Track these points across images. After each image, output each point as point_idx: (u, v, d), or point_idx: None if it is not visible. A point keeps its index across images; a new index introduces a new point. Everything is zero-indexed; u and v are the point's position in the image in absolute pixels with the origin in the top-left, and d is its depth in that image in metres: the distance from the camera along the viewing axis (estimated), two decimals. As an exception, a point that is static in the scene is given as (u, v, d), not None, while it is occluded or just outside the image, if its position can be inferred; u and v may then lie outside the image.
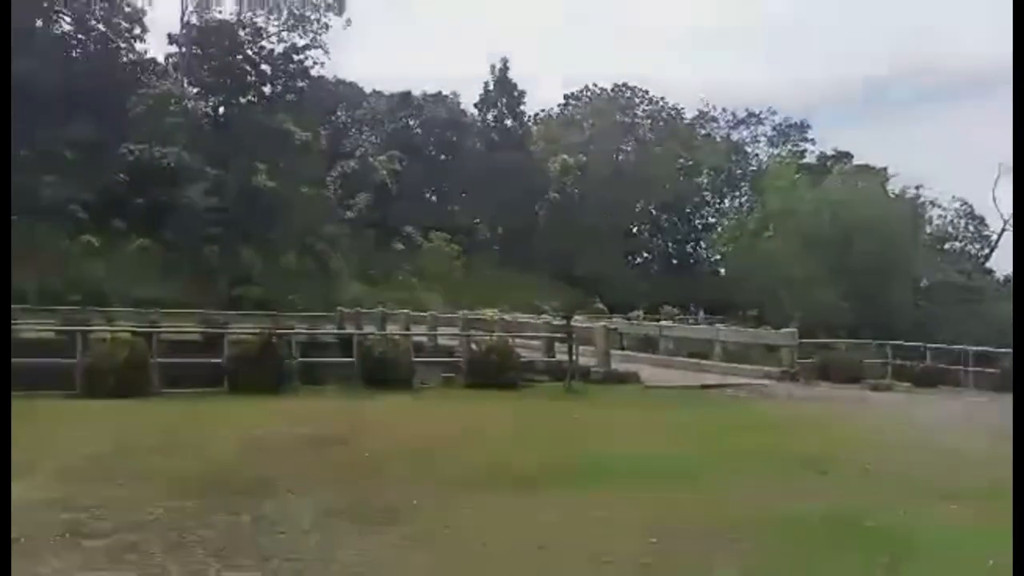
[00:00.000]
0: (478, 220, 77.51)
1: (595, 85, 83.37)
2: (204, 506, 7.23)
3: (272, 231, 58.60)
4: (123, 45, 64.28)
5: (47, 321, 30.26)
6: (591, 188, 76.15)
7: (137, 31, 64.29)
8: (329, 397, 16.53)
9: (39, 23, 60.65)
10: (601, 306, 59.12)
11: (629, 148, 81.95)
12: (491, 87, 78.59)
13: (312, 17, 70.25)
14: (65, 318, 32.61)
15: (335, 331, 33.28)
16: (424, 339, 25.88)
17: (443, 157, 78.37)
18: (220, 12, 68.10)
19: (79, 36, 63.19)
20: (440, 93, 79.06)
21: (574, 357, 18.79)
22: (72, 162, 53.32)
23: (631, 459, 10.10)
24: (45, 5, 60.55)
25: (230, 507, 7.23)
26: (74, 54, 62.05)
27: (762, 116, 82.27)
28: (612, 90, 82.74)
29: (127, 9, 63.34)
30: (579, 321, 24.07)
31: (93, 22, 63.06)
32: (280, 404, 15.11)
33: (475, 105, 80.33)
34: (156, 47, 75.58)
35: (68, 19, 62.99)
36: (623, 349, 24.79)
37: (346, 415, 13.69)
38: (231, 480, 8.34)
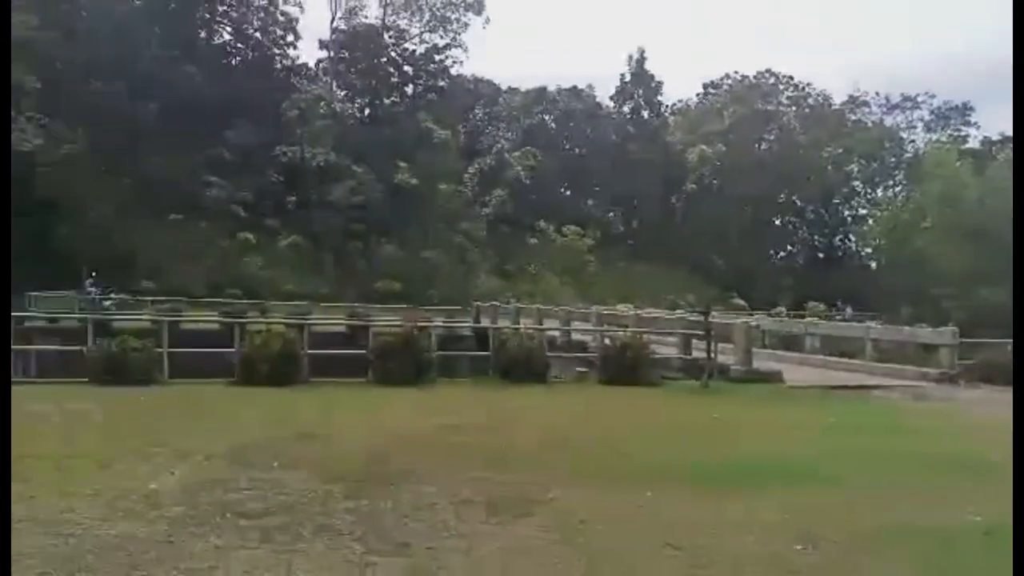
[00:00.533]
0: (612, 213, 76.95)
1: (736, 72, 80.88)
2: (348, 491, 7.56)
3: (412, 227, 60.54)
4: (278, 52, 68.30)
5: (210, 313, 32.56)
6: (730, 179, 73.97)
7: (290, 38, 68.17)
8: (466, 389, 16.93)
9: (202, 34, 65.33)
10: (740, 302, 57.32)
11: (772, 137, 78.97)
12: (627, 79, 77.76)
13: (453, 17, 71.95)
14: (225, 310, 35.03)
15: (471, 324, 33.96)
16: (557, 334, 25.98)
17: (577, 151, 78.32)
18: (366, 17, 71.06)
19: (238, 45, 67.62)
20: (575, 87, 79.03)
21: (712, 354, 18.32)
22: (232, 165, 57.10)
23: (772, 460, 9.74)
24: (207, 17, 65.03)
25: (373, 493, 7.53)
26: (233, 62, 66.40)
27: (919, 100, 77.08)
28: (754, 77, 79.96)
29: (281, 18, 67.19)
30: (717, 317, 23.43)
31: (251, 31, 67.31)
32: (420, 395, 15.62)
33: (611, 98, 79.78)
34: (307, 53, 79.83)
35: (228, 30, 67.49)
36: (765, 347, 23.91)
37: (483, 407, 13.96)
38: (374, 467, 8.68)
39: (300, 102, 61.34)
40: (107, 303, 36.37)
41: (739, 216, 73.53)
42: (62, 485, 7.47)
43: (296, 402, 14.24)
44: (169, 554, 5.68)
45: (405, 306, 40.57)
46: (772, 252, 79.24)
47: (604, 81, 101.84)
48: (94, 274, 40.49)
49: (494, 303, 43.18)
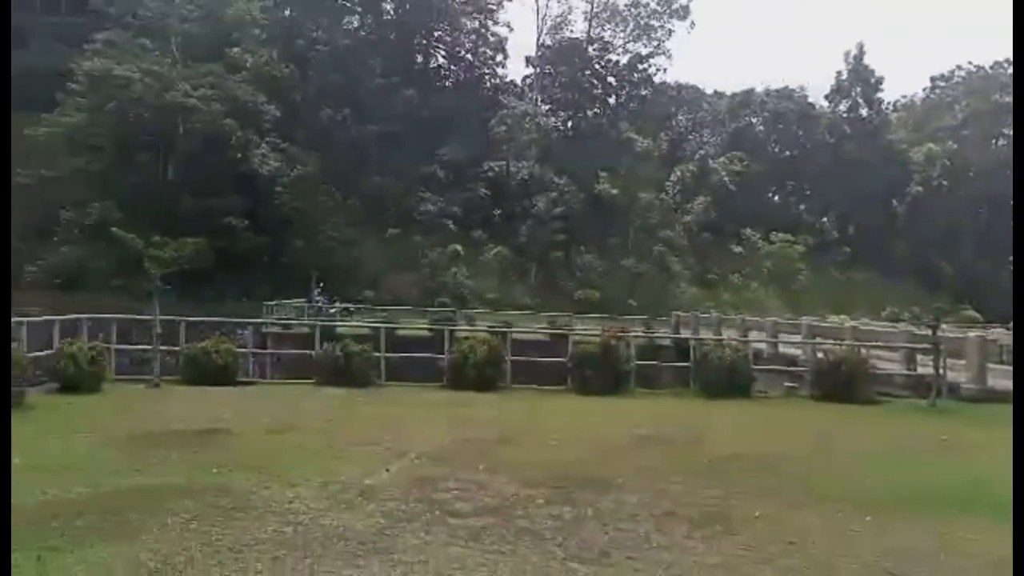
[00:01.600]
0: (825, 219, 72.51)
1: (969, 63, 73.67)
2: (550, 497, 7.68)
3: (612, 236, 60.56)
4: (487, 71, 71.21)
5: (421, 321, 34.43)
6: (962, 178, 67.34)
7: (499, 57, 70.87)
8: (665, 401, 16.63)
9: (419, 59, 69.50)
10: (974, 313, 51.94)
11: (1010, 131, 70.93)
12: (844, 76, 73.17)
13: (657, 25, 71.41)
14: (435, 318, 36.89)
15: (671, 335, 33.34)
16: (764, 346, 24.85)
17: (787, 154, 74.72)
18: (571, 32, 72.23)
19: (451, 67, 71.29)
20: (786, 88, 75.57)
21: (941, 371, 16.71)
22: (444, 181, 60.10)
23: (1008, 489, 8.69)
24: (424, 43, 69.10)
25: (574, 499, 7.60)
26: (446, 84, 70.00)
27: None
28: (990, 67, 72.35)
29: (491, 38, 69.99)
30: (947, 330, 21.35)
31: (463, 53, 70.71)
32: (618, 404, 15.56)
33: (825, 96, 75.48)
34: (514, 70, 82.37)
35: (442, 53, 71.28)
36: (1002, 363, 21.44)
37: (684, 419, 13.66)
38: (575, 474, 8.75)
39: (507, 118, 63.46)
40: (332, 311, 39.45)
41: (972, 219, 66.71)
42: (290, 477, 8.18)
43: (499, 407, 14.67)
44: (384, 546, 6.05)
45: (604, 315, 40.61)
46: (1011, 258, 71.08)
47: (815, 81, 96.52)
48: (321, 285, 44.17)
49: (695, 313, 42.10)
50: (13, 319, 16.85)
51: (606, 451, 10.41)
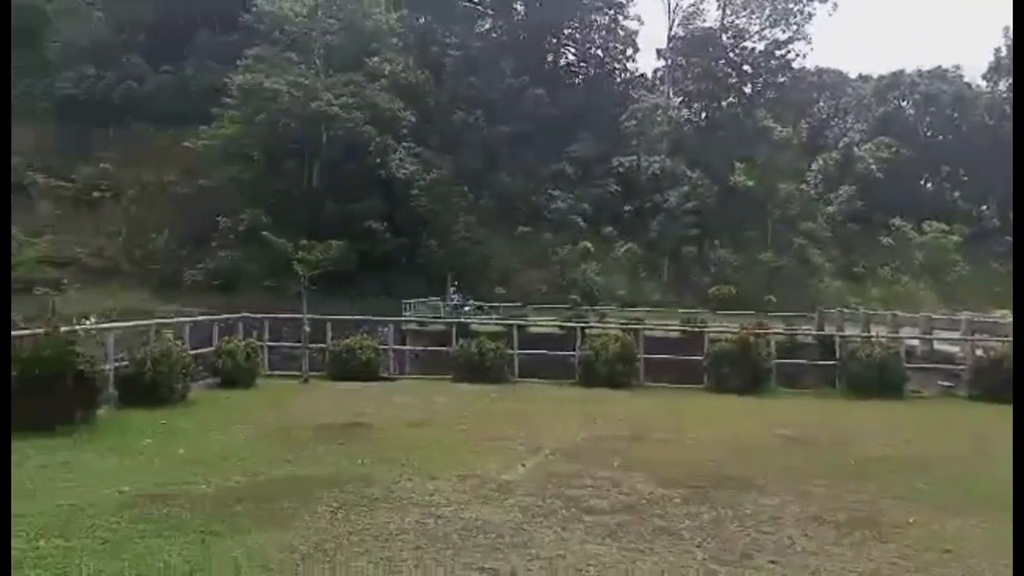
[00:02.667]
0: (985, 206, 67.26)
1: None
2: (688, 496, 7.55)
3: (748, 229, 58.63)
4: (617, 66, 70.70)
5: (552, 318, 34.60)
6: None
7: (629, 52, 70.18)
8: (809, 400, 15.96)
9: (548, 58, 69.86)
10: None
11: None
12: (1003, 53, 67.67)
13: (795, 9, 68.60)
14: (565, 315, 36.99)
15: (814, 332, 31.90)
16: (917, 343, 23.35)
17: (941, 138, 69.90)
18: (704, 21, 70.52)
19: (581, 64, 71.24)
20: (939, 68, 70.69)
21: (1124, 371, 15.16)
22: (573, 178, 60.15)
23: None
24: (554, 41, 69.43)
25: (712, 500, 7.44)
26: (576, 81, 69.99)
27: None
28: None
29: (622, 33, 69.44)
30: None
31: (593, 49, 70.52)
32: (758, 404, 15.06)
33: (983, 76, 70.03)
34: (644, 63, 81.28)
35: (572, 51, 71.34)
36: None
37: (829, 420, 13.07)
38: (713, 474, 8.57)
39: (637, 112, 62.75)
40: (466, 308, 40.35)
41: None
42: (430, 470, 8.44)
43: (632, 405, 14.54)
44: (522, 541, 6.14)
45: (741, 311, 39.39)
46: None
47: (971, 59, 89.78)
48: (456, 283, 45.29)
49: (840, 308, 40.09)
50: (179, 319, 18.24)
51: (746, 451, 10.11)
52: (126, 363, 12.86)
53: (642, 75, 71.94)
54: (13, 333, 11.35)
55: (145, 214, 48.95)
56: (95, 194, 49.20)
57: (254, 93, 47.03)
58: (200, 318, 18.30)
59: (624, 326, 23.04)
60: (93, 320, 13.03)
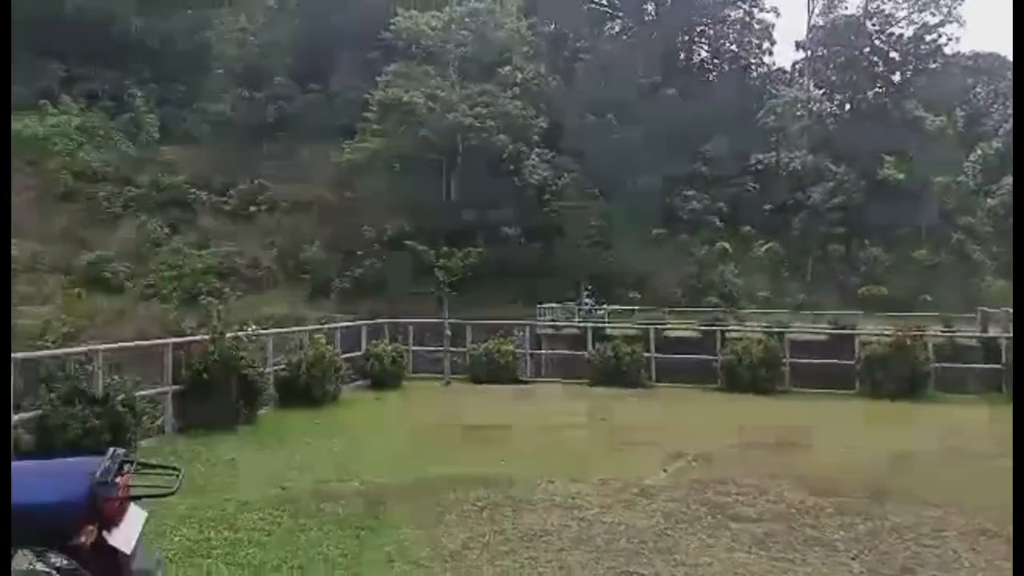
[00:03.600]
0: None
1: None
2: (840, 506, 7.23)
3: (900, 226, 55.22)
4: (753, 61, 68.56)
5: (689, 321, 33.93)
6: None
7: (766, 45, 67.90)
8: (973, 406, 14.87)
9: (681, 56, 68.67)
10: None
11: None
12: None
13: (946, -10, 64.24)
14: (704, 318, 36.15)
15: (976, 334, 29.63)
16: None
17: (1125, 120, 63.28)
18: (846, 8, 67.21)
19: (715, 60, 69.59)
20: (1116, 43, 64.11)
21: None
22: (709, 177, 58.77)
23: None
24: (686, 39, 68.22)
25: (868, 511, 7.09)
26: (710, 78, 68.42)
27: None
28: None
29: (757, 26, 67.34)
30: None
31: (727, 45, 68.73)
32: (917, 410, 14.20)
33: None
34: (782, 56, 78.24)
35: (706, 47, 69.81)
36: None
37: (994, 427, 12.11)
38: (869, 483, 8.16)
39: (776, 107, 60.54)
40: (600, 312, 40.20)
41: None
42: (571, 472, 8.49)
43: (778, 410, 14.06)
44: (666, 546, 6.08)
45: (893, 312, 37.15)
46: None
47: None
48: (589, 287, 45.23)
49: (1005, 309, 37.03)
50: (329, 325, 19.21)
51: (905, 459, 9.56)
52: (283, 367, 13.69)
53: (780, 69, 69.33)
54: (185, 339, 12.33)
55: (297, 226, 51.79)
56: (251, 208, 52.53)
57: (394, 107, 48.89)
58: (349, 324, 19.21)
59: (767, 329, 22.29)
60: (253, 327, 13.96)
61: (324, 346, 14.32)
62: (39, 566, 3.35)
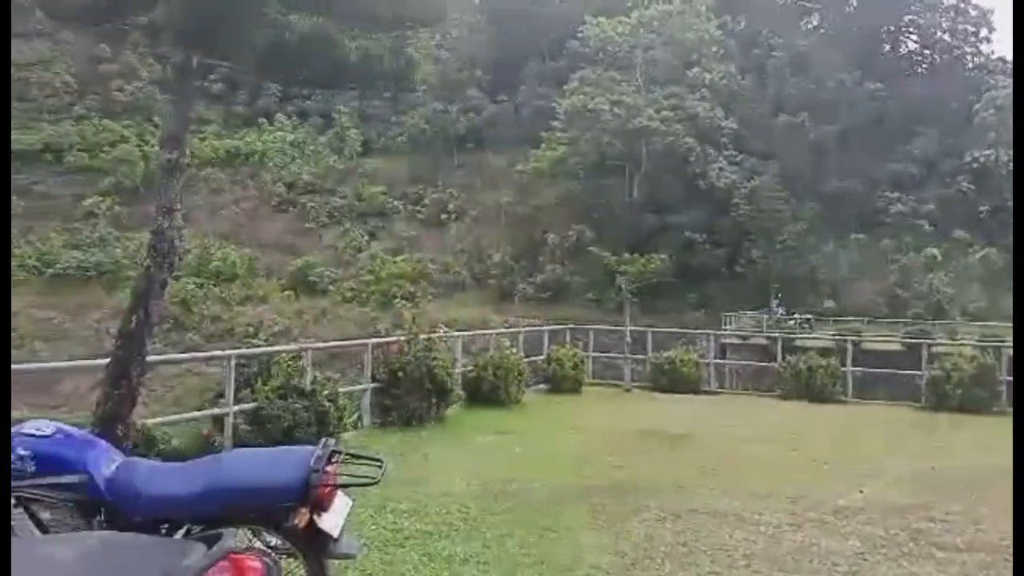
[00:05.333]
0: None
1: None
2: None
3: None
4: (968, 50, 62.87)
5: (891, 333, 31.63)
6: None
7: (984, 32, 62.05)
8: None
9: (885, 48, 64.22)
10: None
11: None
12: None
13: None
14: (907, 330, 33.54)
15: None
16: None
17: None
18: (1077, -14, 60.06)
19: (924, 51, 64.47)
20: None
21: None
22: (915, 177, 54.49)
23: None
24: (891, 30, 63.70)
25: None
26: (918, 71, 63.47)
27: None
28: None
29: (973, 13, 61.73)
30: None
31: (938, 34, 63.47)
32: None
33: None
34: (1002, 45, 70.96)
35: (913, 38, 64.86)
36: None
37: None
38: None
39: (996, 100, 55.04)
40: (791, 322, 38.40)
41: None
42: (757, 487, 8.20)
43: (992, 433, 12.77)
44: (862, 571, 5.75)
45: None
46: None
47: None
48: (779, 295, 43.31)
49: None
50: (513, 328, 19.75)
51: None
52: (470, 368, 14.24)
53: (1000, 58, 62.96)
54: (382, 340, 13.16)
55: (484, 233, 53.68)
56: (442, 216, 55.04)
57: (579, 114, 49.41)
58: (531, 328, 19.64)
59: (981, 343, 20.32)
60: (444, 329, 14.64)
61: (508, 349, 14.73)
62: (256, 544, 3.74)
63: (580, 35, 53.35)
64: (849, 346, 17.90)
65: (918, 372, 16.38)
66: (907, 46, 65.08)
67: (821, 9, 65.23)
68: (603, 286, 40.00)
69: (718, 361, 22.82)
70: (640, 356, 18.46)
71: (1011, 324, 37.26)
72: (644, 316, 28.19)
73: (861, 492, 8.19)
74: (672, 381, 17.30)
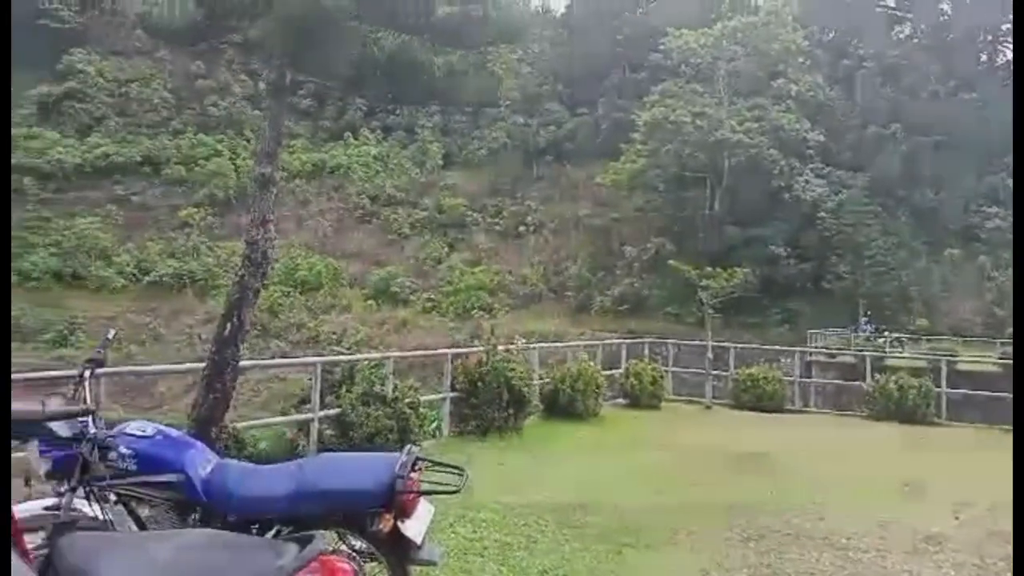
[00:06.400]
0: None
1: None
2: None
3: None
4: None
5: (988, 354, 30.20)
6: None
7: (1087, 39, 58.84)
8: None
9: (983, 56, 61.60)
10: None
11: None
12: None
13: None
14: (1006, 351, 31.88)
15: None
16: None
17: None
18: None
19: (1022, 60, 61.48)
20: None
21: None
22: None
23: None
24: (990, 38, 61.08)
25: None
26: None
27: None
28: None
29: (1075, 19, 58.55)
30: None
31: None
32: None
33: None
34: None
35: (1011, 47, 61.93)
36: None
37: None
38: None
39: (1103, 109, 52.08)
40: (880, 340, 37.03)
41: None
42: (845, 511, 7.94)
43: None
44: (956, 602, 5.51)
45: None
46: None
47: None
48: (868, 312, 41.82)
49: None
50: (590, 341, 19.68)
51: None
52: (547, 380, 14.24)
53: (1111, 66, 59.65)
54: (462, 350, 13.30)
55: (561, 245, 53.69)
56: (520, 228, 55.30)
57: (659, 126, 48.98)
58: (609, 341, 19.52)
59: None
60: (522, 340, 14.70)
61: (586, 362, 14.68)
62: (342, 547, 3.84)
63: (661, 47, 52.93)
64: (943, 366, 17.13)
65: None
66: (1004, 55, 62.18)
67: (913, 19, 62.98)
68: (682, 300, 39.44)
69: (803, 379, 22.17)
70: (722, 372, 18.10)
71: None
72: (726, 331, 27.64)
73: (956, 519, 7.84)
74: (755, 399, 16.90)
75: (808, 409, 18.85)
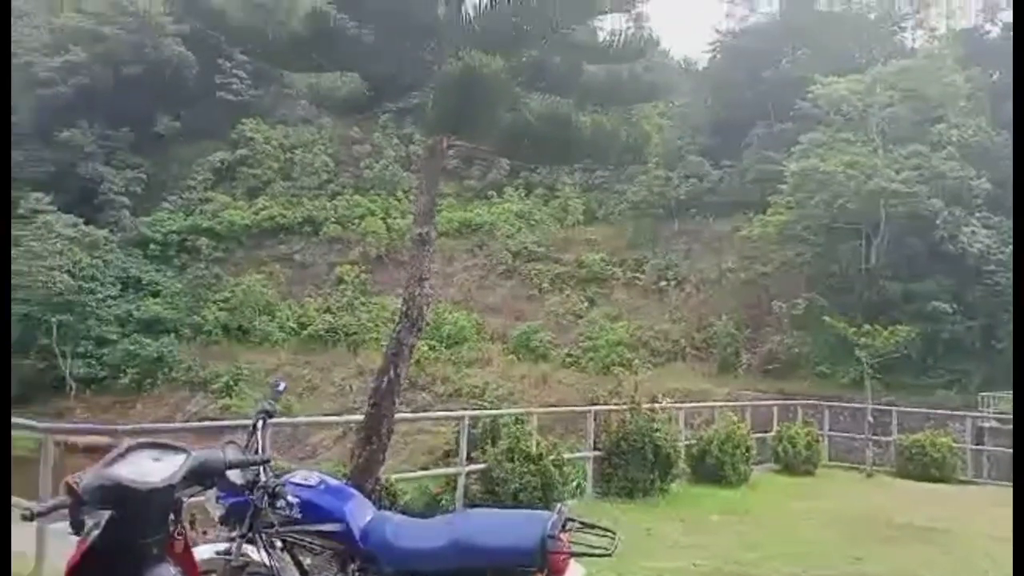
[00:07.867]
0: None
1: None
2: None
3: None
4: None
5: None
6: None
7: None
8: None
9: None
10: None
11: None
12: None
13: None
14: None
15: None
16: None
17: None
18: None
19: None
20: None
21: None
22: None
23: None
24: None
25: None
26: None
27: None
28: None
29: None
30: None
31: None
32: None
33: None
34: None
35: None
36: None
37: None
38: None
39: None
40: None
41: None
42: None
43: None
44: None
45: None
46: None
47: None
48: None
49: None
50: (737, 402, 19.00)
51: None
52: (694, 442, 13.82)
53: None
54: (604, 407, 13.18)
55: (705, 300, 52.40)
56: (662, 283, 54.48)
57: (809, 177, 47.29)
58: (759, 402, 18.76)
59: None
60: (666, 399, 14.39)
61: (735, 423, 14.16)
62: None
63: (809, 95, 51.42)
64: None
65: None
66: None
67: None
68: (836, 359, 37.40)
69: (974, 447, 20.39)
70: (883, 438, 16.96)
71: None
72: (885, 392, 25.89)
73: None
74: (920, 467, 15.69)
75: (980, 479, 17.30)
